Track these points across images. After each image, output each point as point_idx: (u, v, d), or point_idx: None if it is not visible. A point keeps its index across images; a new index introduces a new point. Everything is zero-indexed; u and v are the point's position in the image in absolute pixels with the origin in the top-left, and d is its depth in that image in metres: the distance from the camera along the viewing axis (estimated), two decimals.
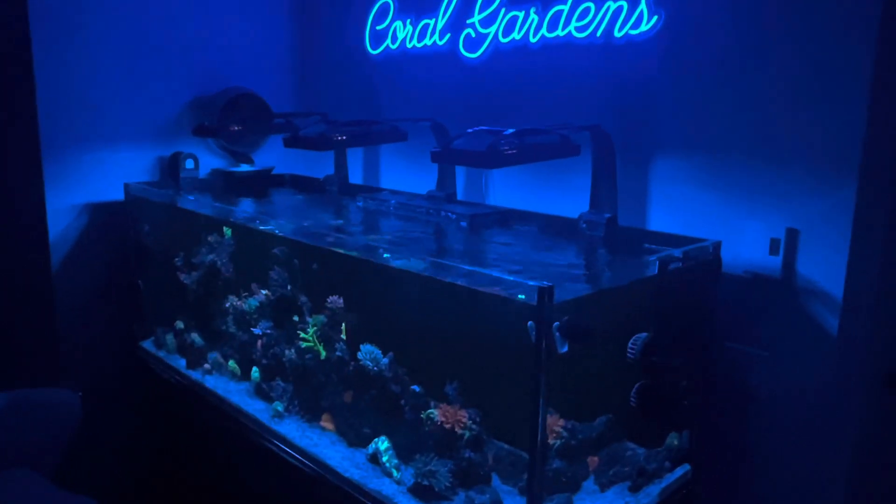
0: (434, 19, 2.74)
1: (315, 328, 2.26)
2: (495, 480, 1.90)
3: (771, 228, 1.96)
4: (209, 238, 2.83)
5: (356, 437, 2.14)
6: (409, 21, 2.84)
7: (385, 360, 2.08)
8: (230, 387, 2.60)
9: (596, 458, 1.89)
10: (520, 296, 1.52)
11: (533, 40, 2.41)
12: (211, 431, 2.58)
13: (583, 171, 2.16)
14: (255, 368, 2.53)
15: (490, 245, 2.23)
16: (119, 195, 3.00)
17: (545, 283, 1.47)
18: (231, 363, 2.65)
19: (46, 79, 2.75)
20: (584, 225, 2.15)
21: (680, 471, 1.98)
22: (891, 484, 2.03)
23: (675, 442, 1.99)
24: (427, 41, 2.78)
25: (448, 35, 2.70)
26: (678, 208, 2.17)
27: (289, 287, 2.46)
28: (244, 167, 3.29)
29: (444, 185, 2.62)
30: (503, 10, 2.49)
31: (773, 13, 1.91)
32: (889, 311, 1.90)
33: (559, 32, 2.34)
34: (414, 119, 2.62)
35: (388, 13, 2.92)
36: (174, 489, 2.85)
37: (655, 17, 2.12)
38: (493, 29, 2.53)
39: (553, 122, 2.15)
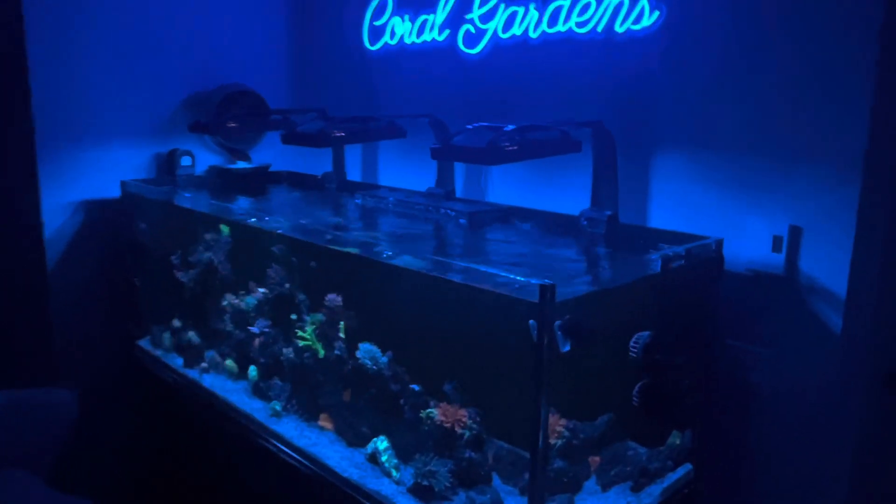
0: (433, 15, 2.71)
1: (313, 327, 2.24)
2: (496, 480, 1.88)
3: (774, 226, 1.94)
4: (206, 236, 2.81)
5: (355, 437, 2.13)
6: (407, 16, 2.82)
7: (384, 359, 2.06)
8: (228, 386, 2.58)
9: (597, 458, 1.87)
10: (521, 294, 1.50)
11: (533, 36, 2.39)
12: (208, 431, 2.56)
13: (583, 168, 2.14)
14: (252, 367, 2.51)
15: (490, 243, 2.21)
16: (115, 192, 2.98)
17: (547, 282, 1.45)
18: (228, 362, 2.63)
19: (42, 75, 2.73)
20: (585, 222, 2.13)
21: (682, 470, 1.97)
22: (893, 483, 2.01)
23: (678, 441, 1.97)
24: (426, 37, 2.76)
25: (447, 31, 2.68)
26: (680, 205, 2.15)
27: (287, 285, 2.44)
28: (241, 164, 3.27)
29: (444, 182, 2.60)
30: (503, 6, 2.46)
31: (776, 8, 1.89)
32: (892, 309, 1.88)
33: (560, 28, 2.32)
34: (413, 115, 2.60)
35: (386, 9, 2.90)
36: (171, 489, 2.83)
37: (657, 13, 2.10)
38: (492, 24, 2.51)
39: (554, 118, 2.13)
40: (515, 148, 1.83)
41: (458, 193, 2.67)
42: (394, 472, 1.95)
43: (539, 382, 1.50)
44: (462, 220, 2.32)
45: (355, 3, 3.03)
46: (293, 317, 2.36)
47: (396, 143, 2.76)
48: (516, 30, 2.44)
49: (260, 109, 3.19)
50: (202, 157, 3.20)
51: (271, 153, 3.36)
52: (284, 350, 2.36)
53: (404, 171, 3.00)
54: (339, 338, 2.19)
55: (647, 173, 2.21)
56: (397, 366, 2.06)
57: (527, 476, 1.80)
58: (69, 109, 2.82)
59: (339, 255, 2.06)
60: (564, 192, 2.40)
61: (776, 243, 1.94)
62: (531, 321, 1.49)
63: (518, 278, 1.52)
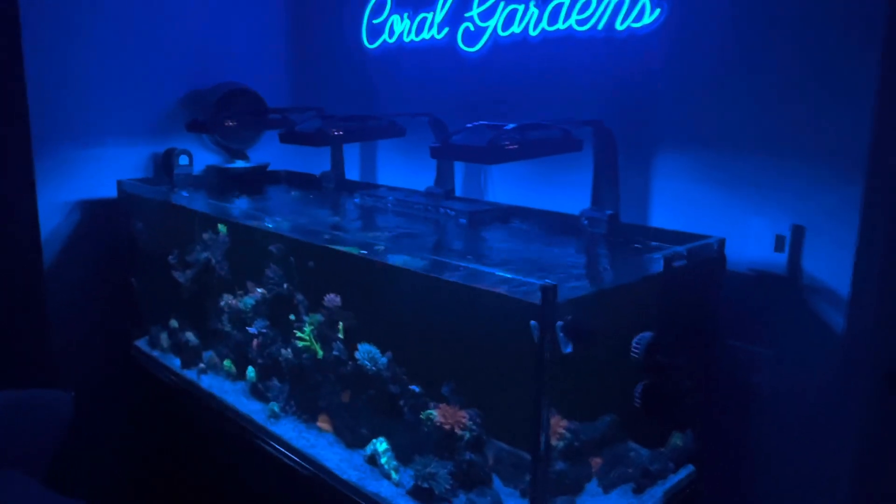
0: (432, 13, 2.70)
1: (312, 327, 2.22)
2: (496, 482, 1.87)
3: (776, 225, 1.92)
4: (204, 235, 2.79)
5: (354, 438, 2.11)
6: (406, 15, 2.80)
7: (383, 360, 2.04)
8: (225, 387, 2.56)
9: (599, 460, 1.86)
10: (522, 294, 1.49)
11: (533, 34, 2.38)
12: (206, 432, 2.55)
13: (584, 167, 2.12)
14: (250, 368, 2.49)
15: (490, 242, 2.20)
16: (112, 192, 2.96)
17: (549, 282, 1.43)
18: (226, 363, 2.62)
19: (37, 74, 2.70)
20: (586, 222, 2.12)
21: (684, 471, 1.95)
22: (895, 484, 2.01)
23: (679, 442, 1.96)
24: (425, 35, 2.74)
25: (446, 29, 2.66)
26: (681, 205, 2.13)
27: (285, 285, 2.43)
28: (239, 163, 3.25)
29: (443, 181, 2.59)
30: (502, 3, 2.45)
31: (778, 6, 1.87)
32: (895, 309, 1.87)
33: (560, 26, 2.30)
34: (412, 114, 2.59)
35: (384, 7, 2.89)
36: (168, 491, 2.82)
37: (658, 10, 2.08)
38: (492, 22, 2.49)
39: (554, 117, 2.11)
40: (516, 147, 1.81)
41: (458, 193, 2.65)
42: (393, 474, 1.93)
43: (540, 384, 1.49)
44: (462, 220, 2.30)
45: (354, 2, 3.01)
46: (291, 317, 2.34)
47: (395, 142, 2.75)
48: (516, 28, 2.42)
49: (258, 108, 3.18)
50: (200, 157, 3.19)
51: (269, 152, 3.35)
52: (283, 351, 2.34)
53: (403, 170, 2.98)
54: (338, 338, 2.18)
55: (648, 172, 2.19)
56: (397, 367, 2.04)
57: (528, 478, 1.79)
58: (65, 108, 2.80)
59: (338, 255, 2.05)
60: (564, 191, 2.38)
61: (778, 243, 1.92)
62: (532, 322, 1.48)
63: (519, 278, 1.50)
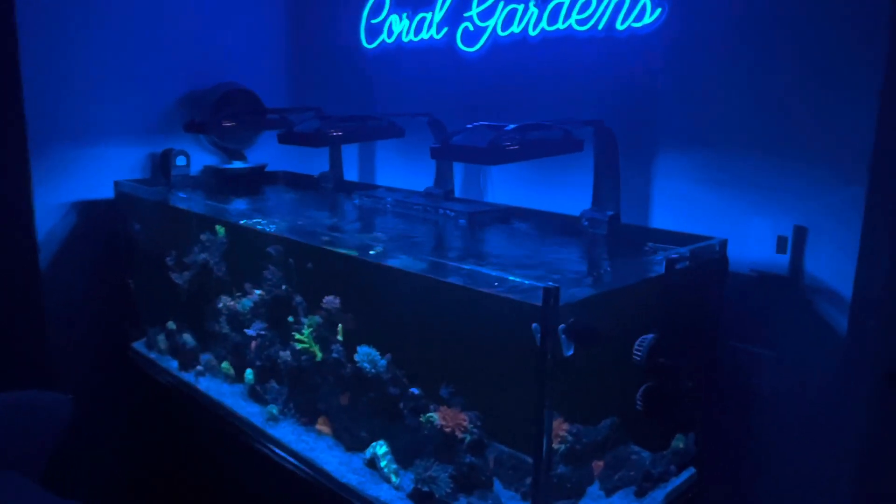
0: (431, 13, 2.68)
1: (310, 329, 2.21)
2: (497, 485, 1.85)
3: (778, 226, 1.91)
4: (201, 237, 2.77)
5: (353, 441, 2.09)
6: (405, 15, 2.79)
7: (383, 362, 2.03)
8: (223, 389, 2.55)
9: (601, 463, 1.84)
10: (524, 297, 1.47)
11: (533, 34, 2.36)
12: (204, 435, 2.53)
13: (584, 168, 2.11)
14: (248, 370, 2.48)
15: (490, 243, 2.18)
16: (109, 193, 2.95)
17: (550, 284, 1.42)
18: (224, 365, 2.60)
19: (34, 74, 2.69)
20: (587, 223, 2.10)
21: (685, 474, 1.94)
22: None
23: (681, 444, 1.94)
24: (424, 35, 2.73)
25: (445, 29, 2.65)
26: (682, 205, 2.12)
27: (283, 287, 2.41)
28: (237, 164, 3.23)
29: (442, 181, 2.57)
30: (502, 3, 2.44)
31: (780, 5, 1.86)
32: None
33: (559, 25, 2.29)
34: (411, 114, 2.57)
35: (383, 7, 2.87)
36: (166, 494, 2.80)
37: (659, 10, 2.07)
38: (491, 22, 2.48)
39: (554, 117, 2.10)
40: (517, 147, 1.80)
41: (457, 193, 2.64)
42: (393, 478, 1.92)
43: (542, 386, 1.47)
44: (461, 221, 2.29)
45: (352, 1, 3.00)
46: (290, 319, 2.33)
47: (394, 143, 2.73)
48: (515, 28, 2.41)
49: (256, 108, 3.16)
50: (197, 157, 3.17)
51: (267, 153, 3.33)
52: (281, 353, 2.32)
53: (402, 170, 2.97)
54: (337, 340, 2.16)
55: (649, 172, 2.18)
56: (396, 369, 2.02)
57: (528, 481, 1.78)
58: (62, 108, 2.78)
59: (337, 256, 2.03)
60: (565, 191, 2.37)
61: (780, 244, 1.91)
62: (534, 324, 1.46)
63: (521, 281, 1.49)
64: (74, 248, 2.91)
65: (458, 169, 2.66)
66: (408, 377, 2.02)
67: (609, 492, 1.80)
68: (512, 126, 1.83)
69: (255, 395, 2.43)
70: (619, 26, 2.15)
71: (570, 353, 1.48)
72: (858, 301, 1.82)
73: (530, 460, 1.74)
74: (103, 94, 2.88)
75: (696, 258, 1.80)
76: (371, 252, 1.93)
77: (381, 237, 2.23)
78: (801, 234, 1.88)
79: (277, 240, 2.41)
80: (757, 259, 1.96)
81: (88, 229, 2.93)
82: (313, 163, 3.14)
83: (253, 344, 2.47)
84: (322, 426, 2.21)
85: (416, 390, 1.98)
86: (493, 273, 1.58)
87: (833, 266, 1.84)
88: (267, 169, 3.28)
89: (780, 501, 2.00)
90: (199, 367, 2.67)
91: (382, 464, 1.95)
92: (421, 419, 1.90)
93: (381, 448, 1.97)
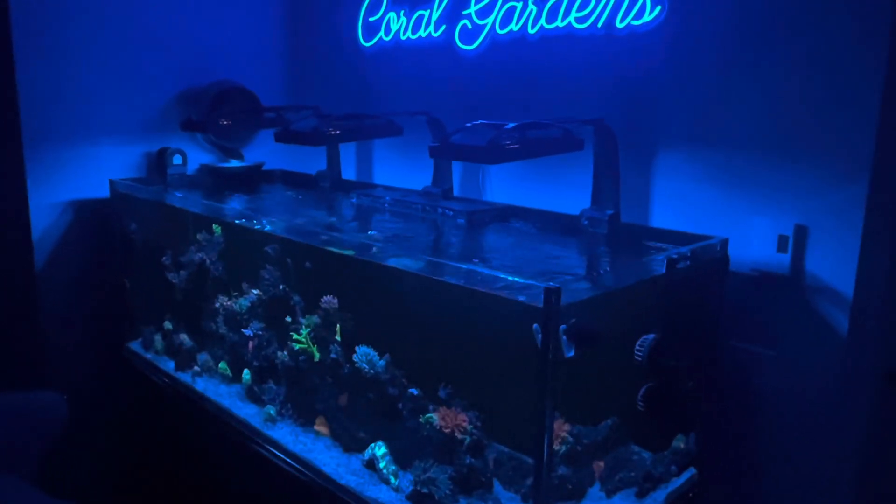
0: (429, 10, 2.67)
1: (308, 329, 2.19)
2: (496, 486, 1.84)
3: (779, 225, 1.90)
4: (198, 236, 2.76)
5: (352, 442, 2.08)
6: (402, 12, 2.77)
7: (381, 363, 2.01)
8: (221, 389, 2.53)
9: (601, 464, 1.83)
10: (525, 297, 1.46)
11: (531, 31, 2.35)
12: (201, 436, 2.52)
13: (584, 166, 2.10)
14: (246, 371, 2.46)
15: (490, 243, 2.17)
16: (104, 192, 2.93)
17: (552, 284, 1.41)
18: (221, 365, 2.58)
19: (28, 71, 2.67)
20: (586, 222, 2.09)
21: (686, 474, 1.93)
22: None
23: (682, 445, 1.94)
24: (422, 33, 2.71)
25: (443, 26, 2.63)
26: (683, 204, 2.11)
27: (281, 287, 2.39)
28: (234, 163, 3.22)
29: (441, 180, 2.56)
30: (500, 0, 2.42)
31: (782, 2, 1.85)
32: None
33: (559, 23, 2.28)
34: (409, 113, 2.55)
35: (381, 4, 2.86)
36: (162, 495, 2.78)
37: (658, 7, 2.06)
38: (489, 20, 2.46)
39: (553, 116, 2.09)
40: (517, 146, 1.78)
41: (456, 192, 2.63)
42: (392, 479, 1.90)
43: (543, 388, 1.46)
44: (460, 220, 2.28)
45: None
46: (288, 319, 2.31)
47: (391, 142, 2.72)
48: (514, 25, 2.40)
49: (253, 107, 3.14)
50: (194, 156, 3.15)
51: (264, 151, 3.32)
52: (279, 353, 2.31)
53: (400, 169, 2.95)
54: (335, 341, 2.15)
55: (650, 171, 2.17)
56: (395, 369, 2.01)
57: (529, 482, 1.76)
58: (57, 106, 2.77)
59: (335, 256, 2.02)
60: (564, 190, 2.36)
61: (781, 243, 1.90)
62: (535, 325, 1.45)
63: (522, 281, 1.48)
64: (70, 248, 2.89)
65: (457, 168, 2.65)
66: (407, 378, 2.00)
67: (610, 493, 1.79)
68: (511, 125, 1.82)
69: (253, 395, 2.42)
70: (619, 24, 2.14)
71: (571, 354, 1.46)
72: (859, 300, 1.81)
73: (531, 461, 1.73)
74: (99, 92, 2.86)
75: (697, 258, 1.79)
76: (370, 252, 1.92)
77: (379, 236, 2.21)
78: (802, 233, 1.87)
79: (275, 239, 2.39)
80: (758, 258, 1.95)
81: (84, 229, 2.91)
82: (311, 161, 3.13)
83: (250, 344, 2.46)
84: (320, 427, 2.19)
85: (415, 391, 1.97)
86: (494, 273, 1.57)
87: (834, 265, 1.84)
88: (264, 168, 3.26)
89: (781, 501, 2.00)
90: (195, 368, 2.66)
91: (381, 465, 1.93)
92: (420, 420, 1.88)
93: (379, 449, 1.96)
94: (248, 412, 2.35)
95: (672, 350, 1.71)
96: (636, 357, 1.67)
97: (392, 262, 1.83)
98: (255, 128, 3.26)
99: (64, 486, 2.55)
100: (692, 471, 1.95)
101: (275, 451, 2.16)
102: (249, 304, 2.50)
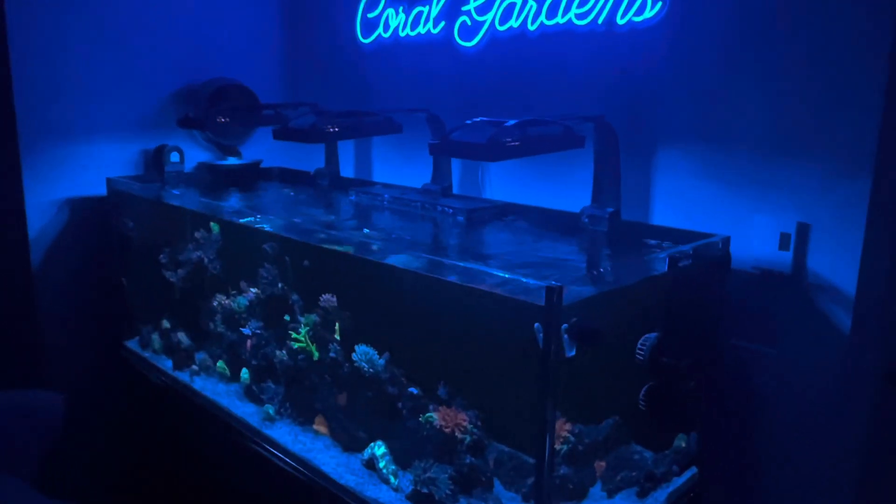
0: (427, 7, 2.65)
1: (307, 328, 2.18)
2: (497, 486, 1.83)
3: (781, 223, 1.89)
4: (196, 234, 2.74)
5: (351, 442, 2.07)
6: (401, 8, 2.76)
7: (381, 362, 2.00)
8: (219, 389, 2.52)
9: (603, 463, 1.82)
10: (526, 296, 1.45)
11: (531, 28, 2.33)
12: (199, 435, 2.50)
13: (584, 164, 2.08)
14: (244, 370, 2.45)
15: (490, 241, 2.15)
16: (101, 190, 2.91)
17: (554, 283, 1.39)
18: (220, 364, 2.57)
19: (24, 68, 2.64)
20: (587, 219, 2.08)
21: (688, 474, 1.92)
22: None
23: (683, 444, 1.93)
24: (420, 29, 2.70)
25: (442, 23, 2.61)
26: (684, 202, 2.10)
27: (279, 285, 2.38)
28: (231, 160, 3.20)
29: (440, 178, 2.54)
30: None
31: None
32: None
33: (559, 19, 2.26)
34: (408, 110, 2.54)
35: (379, 0, 2.83)
36: (160, 495, 2.77)
37: (660, 3, 2.04)
38: (489, 16, 2.45)
39: (553, 113, 2.07)
40: (517, 144, 1.77)
41: (455, 190, 2.61)
42: (392, 479, 1.89)
43: (545, 387, 1.45)
44: (460, 218, 2.26)
45: None
46: (286, 318, 2.30)
47: (390, 139, 2.70)
48: (514, 22, 2.38)
49: (251, 104, 3.12)
50: (191, 153, 3.13)
51: (262, 149, 3.30)
52: (277, 352, 2.29)
53: (399, 167, 2.93)
54: (335, 339, 2.13)
55: (651, 169, 2.15)
56: (395, 368, 2.00)
57: (530, 481, 1.75)
58: (53, 103, 2.74)
59: (334, 254, 2.00)
60: (564, 188, 2.34)
61: (783, 240, 1.89)
62: (536, 324, 1.44)
63: (523, 280, 1.46)
64: (67, 246, 2.87)
65: (456, 165, 2.64)
66: (407, 377, 1.99)
67: (611, 492, 1.78)
68: (512, 122, 1.80)
69: (251, 394, 2.41)
70: (620, 20, 2.13)
71: (573, 353, 1.45)
72: (861, 299, 1.80)
73: (532, 461, 1.73)
74: (95, 89, 2.84)
75: (698, 256, 1.78)
76: (369, 250, 1.91)
77: (378, 234, 2.20)
78: (804, 230, 1.86)
79: (273, 237, 2.38)
80: (759, 256, 1.93)
81: (81, 227, 2.89)
82: (309, 159, 3.11)
83: (249, 343, 2.44)
84: (319, 426, 2.18)
85: (414, 390, 1.96)
86: (495, 272, 1.55)
87: (836, 263, 1.82)
88: (262, 165, 3.24)
89: (782, 500, 1.99)
90: (193, 367, 2.64)
91: (381, 464, 1.92)
92: (420, 419, 1.87)
93: (379, 448, 1.94)
94: (246, 411, 2.34)
95: (674, 349, 1.70)
96: (638, 356, 1.66)
97: (392, 260, 1.81)
98: (252, 125, 3.25)
99: (61, 485, 2.54)
100: (693, 470, 1.94)
101: (273, 450, 2.15)
102: (248, 303, 2.49)
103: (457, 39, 2.56)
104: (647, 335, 1.67)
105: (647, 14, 2.07)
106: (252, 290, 2.50)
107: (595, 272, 1.82)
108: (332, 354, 2.12)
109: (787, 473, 1.96)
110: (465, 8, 2.52)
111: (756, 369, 1.97)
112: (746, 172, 1.95)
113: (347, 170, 3.11)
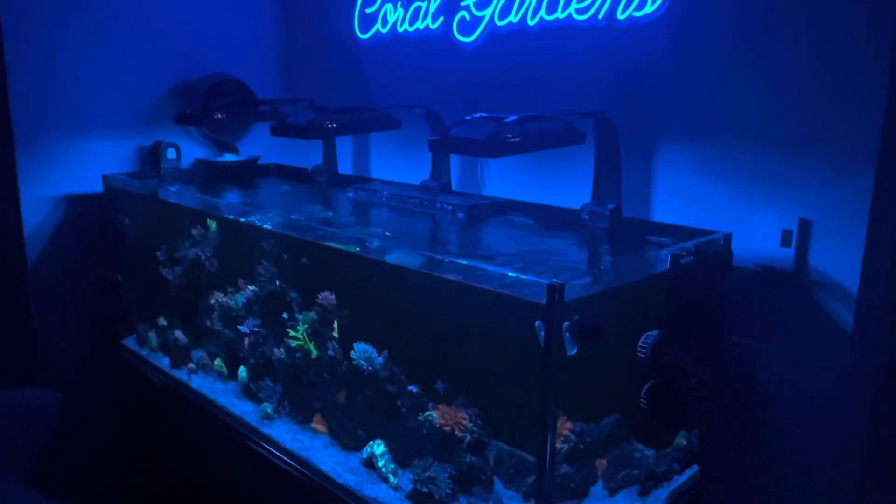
0: (426, 1, 2.63)
1: (305, 326, 2.16)
2: (497, 484, 1.82)
3: (783, 219, 1.88)
4: (193, 231, 2.72)
5: (350, 440, 2.06)
6: (399, 4, 2.74)
7: (380, 360, 1.98)
8: (216, 387, 2.50)
9: (604, 462, 1.81)
10: (527, 294, 1.43)
11: (531, 23, 2.32)
12: (196, 434, 2.49)
13: (584, 160, 2.07)
14: (242, 368, 2.43)
15: (490, 238, 2.14)
16: (97, 187, 2.89)
17: (555, 281, 1.38)
18: (217, 362, 2.55)
19: (19, 64, 2.62)
20: (587, 216, 2.06)
21: (689, 472, 1.91)
22: None
23: (684, 442, 1.91)
24: (419, 25, 2.68)
25: (441, 18, 2.60)
26: (685, 198, 2.08)
27: (277, 282, 2.36)
28: (228, 157, 3.18)
29: (439, 174, 2.53)
30: None
31: None
32: None
33: (559, 14, 2.25)
34: (407, 106, 2.52)
35: None
36: (157, 494, 2.76)
37: None
38: (488, 11, 2.43)
39: (553, 109, 2.05)
40: (517, 139, 1.75)
41: (454, 187, 2.60)
42: (391, 478, 1.88)
43: (546, 386, 1.44)
44: (459, 214, 2.25)
45: None
46: (284, 315, 2.28)
47: (388, 135, 2.69)
48: (513, 17, 2.36)
49: (247, 100, 3.10)
50: (188, 150, 3.11)
51: (259, 145, 3.28)
52: (276, 350, 2.28)
53: (397, 163, 2.92)
54: (333, 337, 2.12)
55: (651, 165, 2.14)
56: (394, 366, 1.98)
57: (530, 480, 1.74)
58: (49, 99, 2.72)
59: (333, 251, 1.99)
60: (564, 184, 2.33)
61: (785, 237, 1.88)
62: (537, 322, 1.42)
63: (525, 277, 1.45)
64: (62, 243, 2.85)
65: (455, 161, 2.62)
66: (406, 375, 1.98)
67: (613, 491, 1.77)
68: (512, 118, 1.78)
69: (249, 393, 2.39)
70: (620, 15, 2.11)
71: (574, 351, 1.44)
72: (863, 296, 1.79)
73: (532, 459, 1.71)
74: (91, 85, 2.81)
75: (700, 253, 1.76)
76: (368, 247, 1.89)
77: (377, 231, 2.18)
78: (805, 227, 1.85)
79: (271, 234, 2.36)
80: (761, 253, 1.92)
81: (76, 224, 2.87)
82: (307, 155, 3.09)
83: (246, 341, 2.43)
84: (317, 425, 2.17)
85: (414, 388, 1.94)
86: (496, 269, 1.54)
87: (838, 260, 1.81)
88: (259, 162, 3.22)
89: (784, 498, 1.98)
90: (191, 365, 2.63)
91: (380, 463, 1.91)
92: (420, 418, 1.86)
93: (378, 447, 1.93)
94: (244, 410, 2.33)
95: (675, 347, 1.69)
96: (639, 354, 1.65)
97: (391, 258, 1.80)
98: (249, 121, 3.23)
99: (57, 484, 2.53)
100: (695, 468, 1.93)
101: (272, 449, 2.13)
102: (245, 301, 2.48)
103: (456, 35, 2.54)
104: (648, 333, 1.65)
105: (648, 9, 2.06)
106: (250, 287, 2.48)
107: (596, 269, 1.80)
108: (330, 352, 2.10)
109: (788, 471, 1.95)
110: (463, 3, 2.50)
111: (758, 367, 1.96)
112: (748, 169, 1.94)
113: (345, 166, 3.09)
